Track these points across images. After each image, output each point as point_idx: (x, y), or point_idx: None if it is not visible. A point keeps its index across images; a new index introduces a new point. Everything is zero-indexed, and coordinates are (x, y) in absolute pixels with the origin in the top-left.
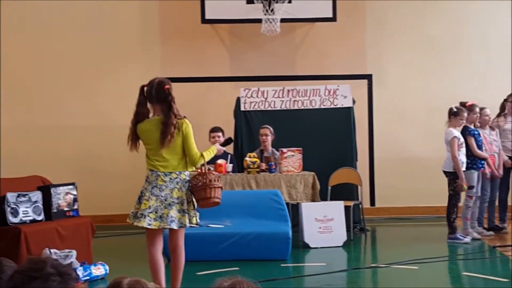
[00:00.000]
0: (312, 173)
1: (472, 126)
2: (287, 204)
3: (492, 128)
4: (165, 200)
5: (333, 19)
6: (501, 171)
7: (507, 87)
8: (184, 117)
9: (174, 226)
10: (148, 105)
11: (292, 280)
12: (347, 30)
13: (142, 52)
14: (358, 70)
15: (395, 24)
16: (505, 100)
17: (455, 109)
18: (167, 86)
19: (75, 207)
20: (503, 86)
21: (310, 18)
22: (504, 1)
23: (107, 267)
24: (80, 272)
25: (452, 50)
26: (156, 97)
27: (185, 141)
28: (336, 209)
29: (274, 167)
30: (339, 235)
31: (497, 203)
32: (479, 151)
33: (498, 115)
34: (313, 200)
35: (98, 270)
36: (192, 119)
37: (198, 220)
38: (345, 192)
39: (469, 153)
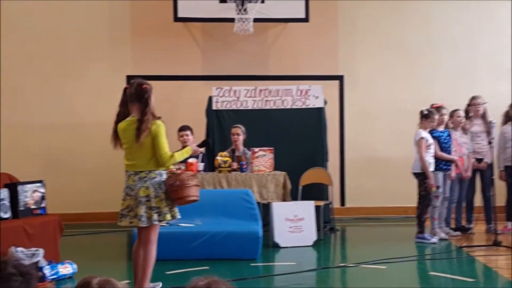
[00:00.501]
0: (283, 172)
1: (440, 128)
2: (258, 203)
3: (464, 131)
4: (136, 199)
5: (305, 19)
6: (469, 173)
7: (475, 90)
8: (159, 117)
9: (142, 224)
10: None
11: (262, 280)
12: (320, 31)
13: (112, 50)
14: (330, 71)
15: (366, 26)
16: (468, 105)
17: (426, 112)
18: (145, 86)
19: (43, 205)
20: (471, 88)
21: (283, 18)
22: (473, 4)
23: (75, 266)
24: (47, 271)
25: (422, 52)
26: (134, 96)
27: (155, 141)
28: (306, 208)
29: (245, 166)
30: (309, 234)
31: (464, 204)
32: (440, 153)
33: (465, 118)
34: (284, 200)
35: (66, 269)
36: (164, 117)
37: (179, 216)
38: (316, 192)
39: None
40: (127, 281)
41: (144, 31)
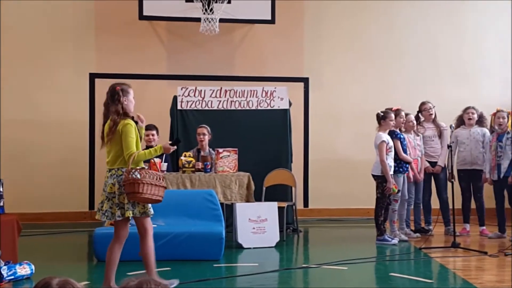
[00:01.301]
0: (247, 173)
1: (398, 130)
2: (222, 204)
3: (416, 134)
4: (105, 194)
5: (271, 21)
6: (422, 175)
7: (436, 94)
8: (132, 117)
9: (105, 218)
10: None
11: (224, 280)
12: (286, 33)
13: (76, 47)
14: (295, 73)
15: (332, 28)
16: (419, 111)
17: (381, 113)
18: (118, 87)
19: (1, 204)
20: (433, 92)
21: (249, 19)
22: (435, 10)
23: (33, 267)
24: (4, 271)
25: (386, 56)
26: (109, 97)
27: (122, 139)
28: (270, 210)
29: (209, 167)
30: (272, 235)
31: (421, 206)
32: (404, 155)
33: (417, 124)
34: (247, 201)
35: (24, 269)
36: None
37: (150, 213)
38: (280, 193)
39: (395, 157)
40: (87, 282)
41: (109, 29)
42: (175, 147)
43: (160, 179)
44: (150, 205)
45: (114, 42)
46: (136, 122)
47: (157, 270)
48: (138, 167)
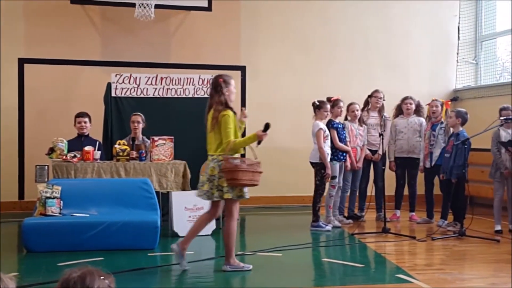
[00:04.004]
0: (183, 162)
1: (336, 120)
2: (157, 192)
3: (360, 124)
4: (207, 176)
5: (208, 8)
6: (360, 164)
7: (369, 84)
8: (231, 108)
9: (205, 198)
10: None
11: (159, 269)
12: (222, 21)
13: (4, 31)
14: (232, 61)
15: (269, 18)
16: (369, 96)
17: (317, 103)
18: (220, 79)
19: None
20: (367, 83)
21: (185, 6)
22: (369, 2)
23: None
24: None
25: (321, 46)
26: (212, 88)
27: (221, 128)
28: None
29: (144, 155)
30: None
31: (357, 193)
32: (340, 144)
33: (362, 110)
34: (183, 189)
35: None
36: (59, 103)
37: (247, 197)
38: None
39: (332, 145)
40: (16, 273)
41: (38, 12)
42: (267, 133)
43: (255, 165)
44: (246, 189)
45: (44, 27)
46: (234, 113)
47: (88, 260)
48: (234, 155)
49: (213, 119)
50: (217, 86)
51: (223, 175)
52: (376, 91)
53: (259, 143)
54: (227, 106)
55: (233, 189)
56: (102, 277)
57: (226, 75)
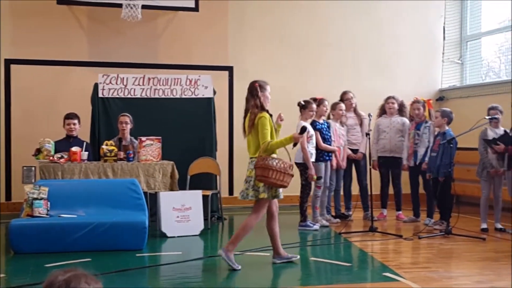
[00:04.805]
0: (171, 162)
1: (321, 120)
2: (145, 193)
3: (342, 123)
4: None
5: (195, 9)
6: (344, 163)
7: (356, 85)
8: (267, 111)
9: (240, 197)
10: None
11: (147, 270)
12: (210, 21)
13: None
14: (219, 61)
15: (256, 19)
16: (341, 100)
17: (303, 103)
18: (256, 84)
19: None
20: (354, 82)
21: (172, 6)
22: (355, 2)
23: None
24: None
25: (308, 46)
26: (248, 92)
27: (258, 130)
28: (194, 198)
29: (132, 155)
30: (197, 224)
31: (342, 192)
32: (324, 145)
33: None
34: (171, 189)
35: None
36: (46, 104)
37: (281, 197)
38: (205, 181)
39: (317, 146)
40: (3, 275)
41: (25, 13)
42: (304, 135)
43: (288, 167)
44: (280, 190)
45: (31, 27)
46: (271, 115)
47: (76, 261)
48: (272, 156)
49: (249, 122)
50: (253, 90)
51: (254, 171)
52: (345, 93)
53: (294, 145)
54: (263, 108)
55: (269, 189)
56: (86, 283)
57: (263, 80)
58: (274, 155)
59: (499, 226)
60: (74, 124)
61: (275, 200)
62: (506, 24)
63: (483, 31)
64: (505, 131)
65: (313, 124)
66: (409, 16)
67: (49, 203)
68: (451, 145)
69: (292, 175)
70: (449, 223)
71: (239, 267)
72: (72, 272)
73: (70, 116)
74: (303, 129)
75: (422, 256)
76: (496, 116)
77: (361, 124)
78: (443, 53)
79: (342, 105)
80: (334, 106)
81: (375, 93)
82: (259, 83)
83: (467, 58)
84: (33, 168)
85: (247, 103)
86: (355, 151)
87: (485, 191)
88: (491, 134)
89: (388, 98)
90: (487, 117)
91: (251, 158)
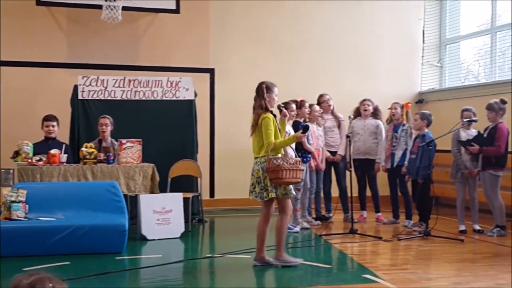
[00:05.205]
0: (152, 164)
1: (302, 121)
2: (126, 196)
3: (318, 124)
4: (255, 178)
5: (176, 11)
6: (323, 165)
7: (339, 85)
8: (271, 111)
9: (258, 199)
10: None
11: (127, 273)
12: (191, 23)
13: None
14: (201, 64)
15: (237, 20)
16: (318, 103)
17: (283, 105)
18: (263, 85)
19: None
20: (335, 84)
21: (153, 8)
22: (338, 5)
23: None
24: None
25: (290, 48)
26: (256, 93)
27: (262, 131)
28: (174, 200)
29: (112, 158)
30: (177, 226)
31: (322, 194)
32: (308, 145)
33: None
34: (152, 192)
35: None
36: (25, 106)
37: (292, 193)
38: (185, 184)
39: (298, 147)
40: None
41: (3, 14)
42: (306, 134)
43: (297, 163)
44: (291, 186)
45: (9, 29)
46: (275, 115)
47: (55, 265)
48: (277, 155)
49: (253, 122)
50: (259, 90)
51: (267, 175)
52: (322, 95)
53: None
54: (266, 109)
55: (277, 188)
56: (51, 285)
57: (271, 82)
58: (279, 155)
59: (477, 227)
60: (53, 126)
61: (272, 204)
62: (485, 28)
63: (462, 34)
64: (478, 132)
65: (298, 124)
66: (389, 18)
67: (27, 206)
68: (430, 147)
69: (302, 170)
70: (428, 225)
71: (300, 261)
72: (36, 276)
73: (48, 118)
74: (306, 128)
75: (401, 258)
76: (474, 119)
77: (339, 126)
78: (422, 56)
79: (317, 107)
80: (310, 107)
81: (355, 95)
82: (267, 84)
83: (446, 61)
84: (11, 171)
85: (254, 104)
86: (333, 153)
87: (461, 193)
88: (464, 136)
89: (364, 100)
90: (465, 120)
91: (255, 158)
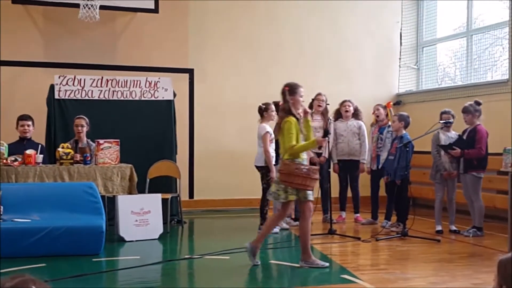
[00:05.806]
0: (130, 165)
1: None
2: (103, 197)
3: None
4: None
5: (155, 10)
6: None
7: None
8: (294, 115)
9: (271, 198)
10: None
11: (104, 275)
12: (170, 24)
13: None
14: (180, 64)
15: (216, 21)
16: (313, 99)
17: (263, 106)
18: (286, 88)
19: None
20: (312, 85)
21: (131, 7)
22: (316, 7)
23: None
24: None
25: (269, 50)
26: (281, 96)
27: (284, 134)
28: (153, 201)
29: (89, 158)
30: (156, 227)
31: None
32: None
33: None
34: (130, 193)
35: None
36: (0, 105)
37: (311, 198)
38: (164, 184)
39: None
40: None
41: None
42: (327, 138)
43: (313, 171)
44: (310, 191)
45: None
46: (297, 119)
47: (31, 267)
48: (296, 159)
49: (276, 125)
50: (282, 93)
51: (279, 176)
52: (319, 94)
53: (319, 148)
54: (290, 113)
55: (298, 192)
56: (34, 287)
57: (295, 83)
58: (299, 160)
59: (453, 228)
60: (28, 125)
61: (290, 205)
62: (461, 31)
63: (438, 37)
64: (459, 135)
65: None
66: (367, 20)
67: (2, 207)
68: (407, 149)
69: (317, 179)
70: (406, 225)
71: (327, 264)
72: (20, 278)
73: (23, 118)
74: (326, 132)
75: (379, 258)
76: (450, 120)
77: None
78: (400, 58)
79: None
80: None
81: (333, 96)
82: (289, 86)
83: (423, 64)
84: None
85: (280, 106)
86: (318, 154)
87: (439, 194)
88: (443, 138)
89: (344, 101)
90: (441, 122)
91: (282, 159)
